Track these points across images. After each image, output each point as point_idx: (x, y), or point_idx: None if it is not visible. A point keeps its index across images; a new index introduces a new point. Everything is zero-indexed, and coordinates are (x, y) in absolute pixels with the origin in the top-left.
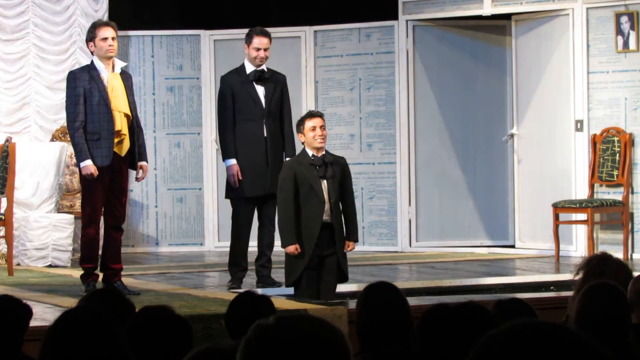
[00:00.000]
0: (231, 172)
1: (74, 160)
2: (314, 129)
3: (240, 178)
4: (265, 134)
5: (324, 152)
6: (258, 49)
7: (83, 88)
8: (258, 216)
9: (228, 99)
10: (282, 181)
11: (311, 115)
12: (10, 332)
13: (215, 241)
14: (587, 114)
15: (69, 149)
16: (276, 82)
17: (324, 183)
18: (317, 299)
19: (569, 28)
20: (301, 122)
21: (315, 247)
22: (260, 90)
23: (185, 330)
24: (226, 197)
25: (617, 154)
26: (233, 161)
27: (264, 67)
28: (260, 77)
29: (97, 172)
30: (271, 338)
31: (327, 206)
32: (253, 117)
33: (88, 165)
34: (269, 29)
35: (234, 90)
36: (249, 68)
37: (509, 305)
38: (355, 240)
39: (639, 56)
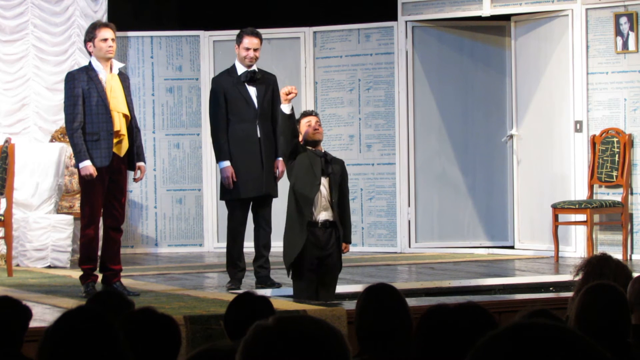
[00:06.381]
0: (226, 175)
1: (73, 161)
2: (309, 124)
3: (235, 180)
4: (259, 135)
5: (323, 151)
6: (248, 49)
7: (81, 89)
8: (253, 217)
9: (220, 100)
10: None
11: (305, 114)
12: (9, 333)
13: (215, 242)
14: (586, 114)
15: (68, 150)
16: (267, 83)
17: (325, 181)
18: (316, 299)
19: (568, 29)
20: (296, 122)
21: (315, 248)
22: (252, 91)
23: (172, 328)
24: (221, 199)
25: (617, 155)
26: (227, 163)
27: (254, 67)
28: (252, 77)
29: (97, 173)
30: (270, 339)
31: (325, 202)
32: (246, 118)
33: (87, 166)
34: (269, 30)
35: (226, 91)
36: (240, 69)
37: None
38: (350, 242)
39: (638, 57)
